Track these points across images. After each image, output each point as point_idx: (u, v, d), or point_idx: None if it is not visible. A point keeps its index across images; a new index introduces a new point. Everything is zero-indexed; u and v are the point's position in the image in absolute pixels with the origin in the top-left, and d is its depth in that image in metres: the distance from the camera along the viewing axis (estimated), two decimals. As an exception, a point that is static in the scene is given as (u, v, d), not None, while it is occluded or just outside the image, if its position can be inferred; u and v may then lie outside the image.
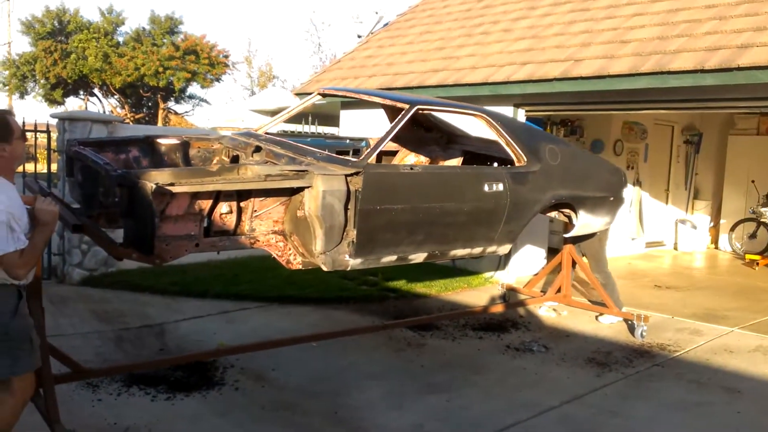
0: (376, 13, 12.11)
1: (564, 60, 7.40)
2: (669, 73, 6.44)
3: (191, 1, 48.63)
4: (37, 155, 8.73)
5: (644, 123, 11.09)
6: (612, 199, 5.91)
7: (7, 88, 28.85)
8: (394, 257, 4.37)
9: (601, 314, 6.81)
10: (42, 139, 7.91)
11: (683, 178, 12.35)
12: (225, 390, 4.68)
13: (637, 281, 9.09)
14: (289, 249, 4.08)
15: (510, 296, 7.32)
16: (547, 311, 7.06)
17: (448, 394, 4.79)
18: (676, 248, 12.13)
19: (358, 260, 4.14)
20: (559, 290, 6.85)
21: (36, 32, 27.26)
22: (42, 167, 8.88)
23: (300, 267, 4.12)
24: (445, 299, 7.57)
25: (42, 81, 27.43)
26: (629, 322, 6.48)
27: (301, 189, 3.89)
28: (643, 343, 6.14)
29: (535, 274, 7.58)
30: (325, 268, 4.05)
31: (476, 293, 7.87)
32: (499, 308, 6.73)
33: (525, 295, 7.20)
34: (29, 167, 7.95)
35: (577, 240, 6.57)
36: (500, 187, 4.78)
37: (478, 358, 5.63)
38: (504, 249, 5.06)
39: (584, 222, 5.71)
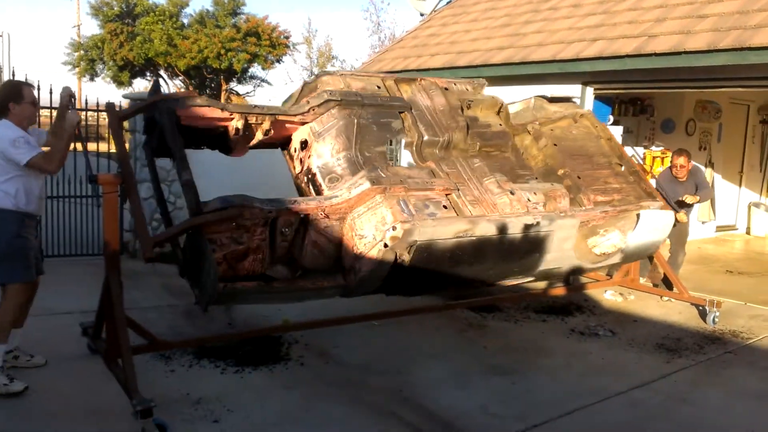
0: (439, -10, 11.93)
1: (637, 36, 7.14)
2: (749, 49, 6.13)
3: (253, -18, 49.19)
4: (110, 135, 9.04)
5: (718, 102, 10.62)
6: None
7: (76, 70, 29.88)
8: None
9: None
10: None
11: (758, 159, 11.83)
12: (291, 365, 4.77)
13: (708, 266, 8.78)
14: None
15: (574, 279, 7.17)
16: (612, 295, 6.91)
17: (512, 376, 4.76)
18: (748, 232, 11.65)
19: None
20: (626, 274, 6.67)
21: (104, 15, 28.06)
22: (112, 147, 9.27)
23: None
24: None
25: (110, 63, 28.26)
26: (701, 308, 6.28)
27: None
28: (714, 330, 5.94)
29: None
30: None
31: (539, 275, 7.75)
32: (562, 291, 6.61)
33: (590, 279, 7.04)
34: (102, 147, 8.27)
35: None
36: None
37: (542, 341, 5.56)
38: None
39: None
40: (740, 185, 11.65)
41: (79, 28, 33.85)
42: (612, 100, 9.76)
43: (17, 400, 3.97)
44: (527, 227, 4.69)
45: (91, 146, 7.60)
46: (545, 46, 8.05)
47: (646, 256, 6.04)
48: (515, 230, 4.64)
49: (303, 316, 5.69)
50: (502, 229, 4.58)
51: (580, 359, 5.17)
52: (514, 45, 8.49)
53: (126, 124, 7.89)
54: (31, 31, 62.33)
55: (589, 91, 8.01)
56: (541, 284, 7.21)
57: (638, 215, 5.53)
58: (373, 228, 4.17)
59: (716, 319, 6.05)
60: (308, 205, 4.17)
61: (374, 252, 4.14)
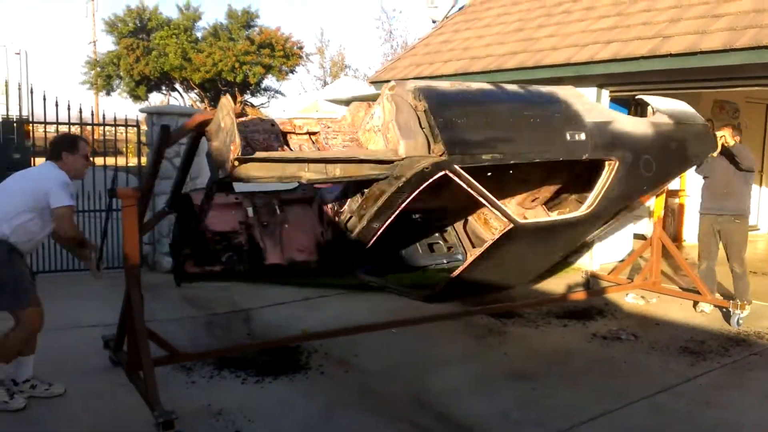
0: (451, -3, 11.94)
1: (652, 37, 7.09)
2: (766, 47, 6.07)
3: (265, -6, 49.65)
4: (127, 149, 9.12)
5: (736, 101, 10.50)
6: None
7: (93, 86, 30.29)
8: None
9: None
10: (131, 133, 8.28)
11: (778, 159, 11.64)
12: (311, 374, 4.77)
13: (730, 268, 8.64)
14: None
15: (594, 283, 7.12)
16: (634, 299, 6.83)
17: (534, 382, 4.72)
18: (770, 233, 11.48)
19: None
20: (647, 277, 6.60)
21: (119, 31, 28.43)
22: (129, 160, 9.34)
23: None
24: (526, 286, 7.43)
25: (126, 78, 28.62)
26: (724, 310, 6.19)
27: None
28: (739, 332, 5.86)
29: (621, 261, 7.34)
30: None
31: (558, 280, 7.69)
32: (582, 296, 6.57)
33: (610, 283, 6.98)
34: (120, 161, 8.34)
35: None
36: None
37: (563, 347, 5.51)
38: None
39: None
40: (760, 185, 11.48)
41: (95, 45, 34.34)
42: (628, 102, 9.70)
43: (40, 414, 4.00)
44: (524, 86, 4.89)
45: (110, 161, 7.68)
46: (559, 49, 8.02)
47: (692, 124, 5.88)
48: (516, 88, 4.82)
49: (321, 325, 5.71)
50: (499, 86, 4.80)
51: (603, 364, 5.12)
52: (528, 49, 8.47)
53: (144, 137, 7.99)
54: (47, 48, 63.38)
55: (605, 93, 7.97)
56: (561, 288, 7.19)
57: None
58: (379, 108, 4.23)
59: (740, 321, 5.96)
60: (309, 120, 4.51)
61: (388, 108, 4.13)
